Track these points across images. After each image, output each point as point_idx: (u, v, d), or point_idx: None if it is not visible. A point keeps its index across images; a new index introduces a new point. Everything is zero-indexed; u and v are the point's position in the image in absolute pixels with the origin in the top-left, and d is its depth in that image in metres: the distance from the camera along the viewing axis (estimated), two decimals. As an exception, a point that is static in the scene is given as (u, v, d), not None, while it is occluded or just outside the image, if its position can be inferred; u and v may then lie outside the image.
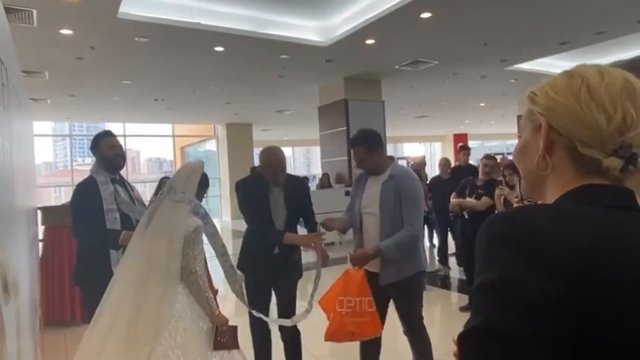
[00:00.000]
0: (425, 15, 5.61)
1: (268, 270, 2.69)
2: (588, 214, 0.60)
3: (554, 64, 8.35)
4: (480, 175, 4.49)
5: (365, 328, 2.40)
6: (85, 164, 18.79)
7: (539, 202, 0.72)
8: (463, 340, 0.57)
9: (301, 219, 2.85)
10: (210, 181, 2.41)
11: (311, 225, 2.86)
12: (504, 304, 0.54)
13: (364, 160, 2.59)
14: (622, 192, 0.63)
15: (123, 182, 2.80)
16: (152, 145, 17.06)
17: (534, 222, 0.58)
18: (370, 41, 6.63)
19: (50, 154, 20.70)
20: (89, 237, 2.53)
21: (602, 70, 0.65)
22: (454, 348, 0.62)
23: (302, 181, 3.05)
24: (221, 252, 2.27)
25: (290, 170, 11.38)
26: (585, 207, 0.61)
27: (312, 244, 2.69)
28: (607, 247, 0.55)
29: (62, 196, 13.54)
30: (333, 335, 2.43)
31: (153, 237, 2.04)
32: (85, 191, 2.59)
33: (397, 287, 2.53)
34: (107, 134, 2.83)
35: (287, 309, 2.77)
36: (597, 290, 0.52)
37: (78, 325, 4.25)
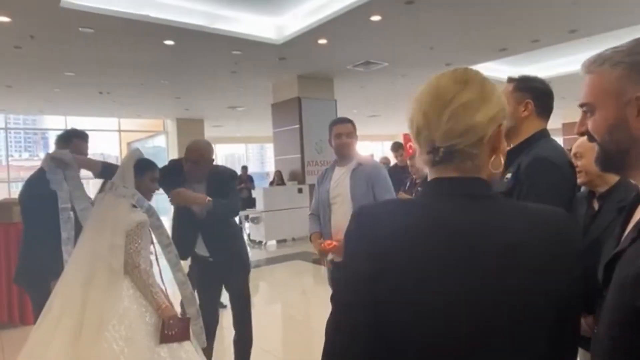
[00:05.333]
0: (376, 18, 5.80)
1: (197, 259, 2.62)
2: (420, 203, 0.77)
3: (495, 69, 8.84)
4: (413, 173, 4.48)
5: None
6: (22, 159, 17.71)
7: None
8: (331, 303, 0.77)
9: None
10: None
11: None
12: (343, 279, 0.76)
13: (351, 135, 2.65)
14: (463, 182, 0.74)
15: None
16: (96, 140, 16.27)
17: (365, 217, 0.75)
18: (322, 41, 6.74)
19: (-18, 149, 19.19)
20: (41, 236, 2.34)
21: None
22: None
23: (227, 176, 2.78)
24: (165, 244, 2.26)
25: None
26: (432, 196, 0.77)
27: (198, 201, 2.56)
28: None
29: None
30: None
31: (96, 234, 2.04)
32: (36, 188, 2.45)
33: None
34: (83, 137, 2.72)
35: (239, 305, 2.73)
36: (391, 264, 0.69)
37: (15, 327, 4.06)
